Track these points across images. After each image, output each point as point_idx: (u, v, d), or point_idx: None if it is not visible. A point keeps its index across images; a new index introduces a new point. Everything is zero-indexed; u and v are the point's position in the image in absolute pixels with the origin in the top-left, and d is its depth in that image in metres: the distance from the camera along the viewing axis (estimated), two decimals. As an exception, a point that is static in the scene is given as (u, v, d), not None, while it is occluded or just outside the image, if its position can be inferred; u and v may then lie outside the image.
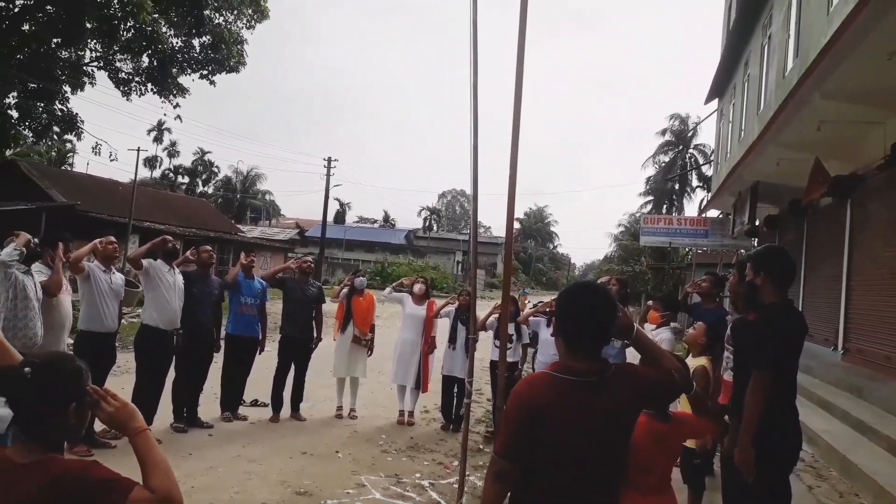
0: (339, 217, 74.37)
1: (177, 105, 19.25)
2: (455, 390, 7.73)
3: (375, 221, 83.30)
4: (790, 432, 3.41)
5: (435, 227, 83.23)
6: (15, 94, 17.88)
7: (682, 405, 4.20)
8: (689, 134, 50.13)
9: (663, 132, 51.38)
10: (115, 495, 1.70)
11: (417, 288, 8.15)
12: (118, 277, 6.28)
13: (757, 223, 15.07)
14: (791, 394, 3.47)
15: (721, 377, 4.57)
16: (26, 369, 1.80)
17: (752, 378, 3.31)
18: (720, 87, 19.35)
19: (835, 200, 10.52)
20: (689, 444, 4.36)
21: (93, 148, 21.40)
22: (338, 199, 73.47)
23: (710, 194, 23.79)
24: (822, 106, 8.29)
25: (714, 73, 18.60)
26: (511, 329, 7.20)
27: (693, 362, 4.71)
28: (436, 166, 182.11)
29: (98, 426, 5.74)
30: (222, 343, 7.34)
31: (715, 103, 21.14)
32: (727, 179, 15.41)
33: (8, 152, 24.73)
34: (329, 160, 42.14)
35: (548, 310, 7.10)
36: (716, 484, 4.92)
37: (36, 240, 5.28)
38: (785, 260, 3.58)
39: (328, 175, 41.83)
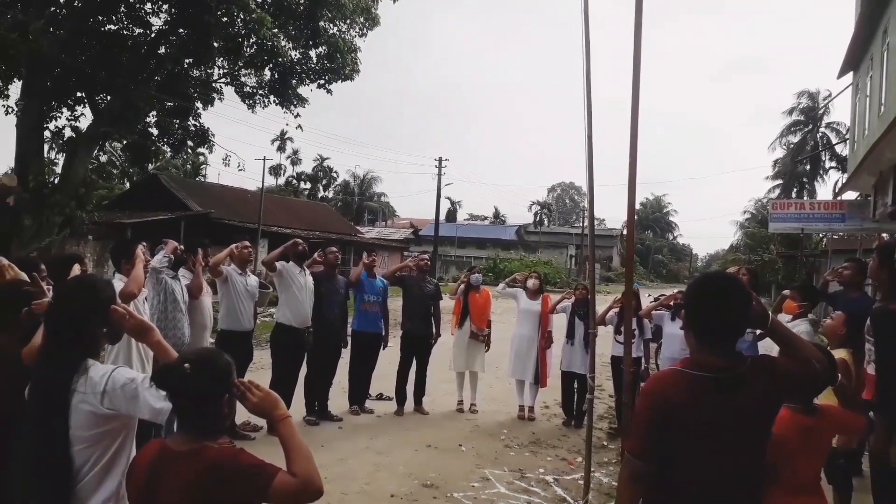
0: (451, 215, 75.21)
1: (297, 115, 20.12)
2: (575, 386, 7.63)
3: (486, 218, 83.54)
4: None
5: (546, 222, 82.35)
6: (154, 112, 19.39)
7: (825, 398, 3.95)
8: (820, 111, 46.62)
9: (790, 111, 48.11)
10: (262, 479, 1.82)
11: (531, 283, 8.12)
12: (253, 279, 6.69)
13: (902, 204, 13.82)
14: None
15: (864, 370, 4.24)
16: (186, 365, 1.96)
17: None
18: (855, 59, 17.87)
19: None
20: (832, 442, 4.08)
21: (223, 159, 22.91)
22: (449, 198, 74.39)
23: (846, 175, 22.05)
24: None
25: (848, 45, 17.21)
26: (632, 324, 7.02)
27: (834, 354, 4.40)
28: (544, 160, 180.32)
29: (238, 420, 6.14)
30: (349, 339, 7.63)
31: (849, 77, 19.54)
32: (866, 158, 14.23)
33: (150, 167, 26.91)
34: (440, 160, 42.71)
35: (672, 303, 6.87)
36: (864, 485, 4.58)
37: (182, 247, 5.72)
38: (941, 243, 3.28)
39: (439, 175, 42.40)
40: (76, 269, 5.31)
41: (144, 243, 5.07)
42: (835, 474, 4.51)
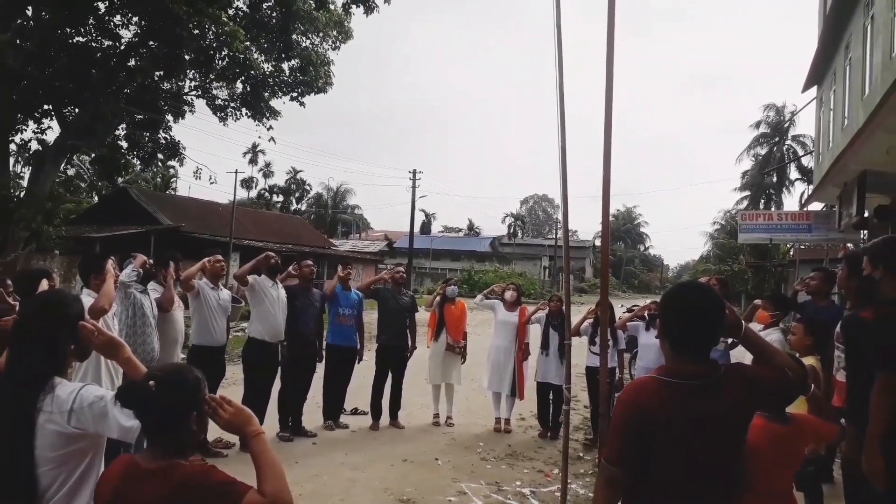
0: (425, 227, 75.33)
1: (270, 127, 20.06)
2: (551, 397, 7.64)
3: (460, 230, 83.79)
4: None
5: (519, 234, 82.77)
6: (124, 125, 19.16)
7: (797, 407, 4.00)
8: (786, 124, 47.69)
9: (758, 124, 49.20)
10: (232, 498, 1.79)
11: (509, 294, 8.13)
12: (225, 294, 6.61)
13: (866, 214, 14.14)
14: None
15: (833, 378, 4.31)
16: (151, 383, 1.92)
17: (877, 380, 3.10)
18: (819, 74, 18.32)
19: (956, 186, 9.75)
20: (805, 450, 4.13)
21: (194, 172, 22.70)
22: (423, 211, 74.57)
23: (811, 186, 22.53)
24: (937, 86, 7.71)
25: (811, 59, 17.64)
26: (607, 334, 7.06)
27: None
28: (517, 173, 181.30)
29: (210, 436, 6.04)
30: (324, 353, 7.56)
31: (813, 91, 20.02)
32: (831, 170, 14.55)
33: (119, 180, 26.52)
34: (414, 172, 42.76)
35: (646, 313, 6.93)
36: (835, 491, 4.64)
37: (151, 261, 5.63)
38: (906, 252, 3.34)
39: (413, 187, 42.43)
40: (44, 285, 5.21)
41: (113, 258, 4.97)
42: (804, 481, 4.57)
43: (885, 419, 3.07)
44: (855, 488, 3.45)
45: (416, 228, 52.02)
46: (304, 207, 68.63)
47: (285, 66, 18.93)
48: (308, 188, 70.15)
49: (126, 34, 17.39)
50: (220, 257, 6.67)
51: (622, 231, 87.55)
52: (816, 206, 21.05)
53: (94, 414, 2.15)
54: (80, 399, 2.16)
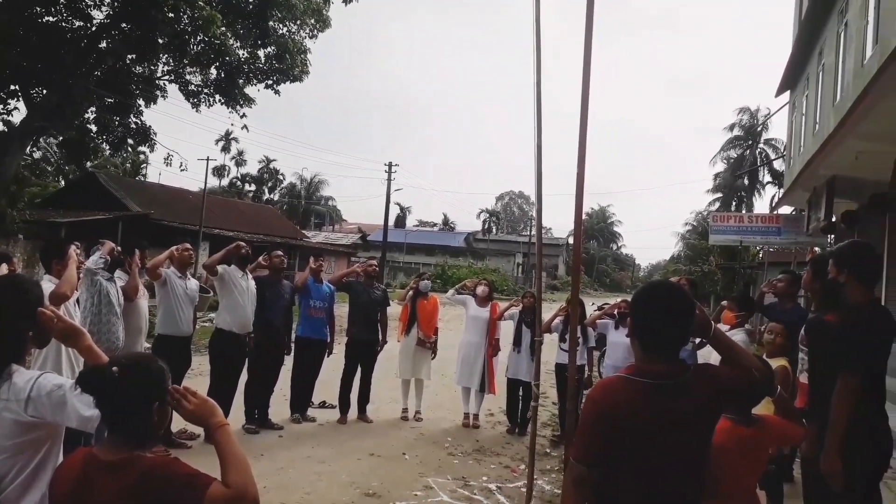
0: (400, 221, 75.13)
1: (243, 115, 19.83)
2: (520, 393, 7.67)
3: (435, 225, 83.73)
4: (881, 437, 3.24)
5: (494, 230, 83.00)
6: (93, 108, 18.77)
7: (762, 408, 4.05)
8: (759, 128, 48.46)
9: (731, 127, 49.86)
10: (196, 490, 1.75)
11: (481, 290, 8.13)
12: (193, 283, 6.50)
13: (834, 219, 14.41)
14: (881, 397, 3.29)
15: (797, 379, 4.38)
16: (114, 368, 1.87)
17: (838, 382, 3.15)
18: (792, 79, 18.62)
19: (920, 194, 9.97)
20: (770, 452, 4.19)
21: (164, 159, 22.33)
22: (398, 204, 74.35)
23: (782, 190, 22.93)
24: (905, 95, 7.86)
25: (786, 64, 17.91)
26: (577, 332, 7.11)
27: (773, 363, 4.53)
28: (494, 169, 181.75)
29: (174, 427, 5.95)
30: (292, 346, 7.49)
31: (786, 96, 20.35)
32: (801, 174, 14.80)
33: (87, 164, 26.00)
34: (390, 165, 42.65)
35: (616, 312, 6.98)
36: (795, 490, 4.73)
37: (119, 248, 5.52)
38: (871, 256, 3.41)
39: (389, 180, 42.32)
40: (4, 269, 5.08)
41: (77, 243, 4.86)
42: (766, 480, 4.64)
43: (844, 421, 3.13)
44: (813, 487, 3.51)
45: (391, 222, 51.92)
46: (276, 197, 68.02)
47: (261, 53, 18.73)
48: (281, 178, 69.56)
49: (98, 15, 17.04)
50: (188, 246, 6.56)
51: (595, 230, 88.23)
52: (786, 210, 21.42)
53: (52, 403, 2.10)
54: (38, 387, 2.11)
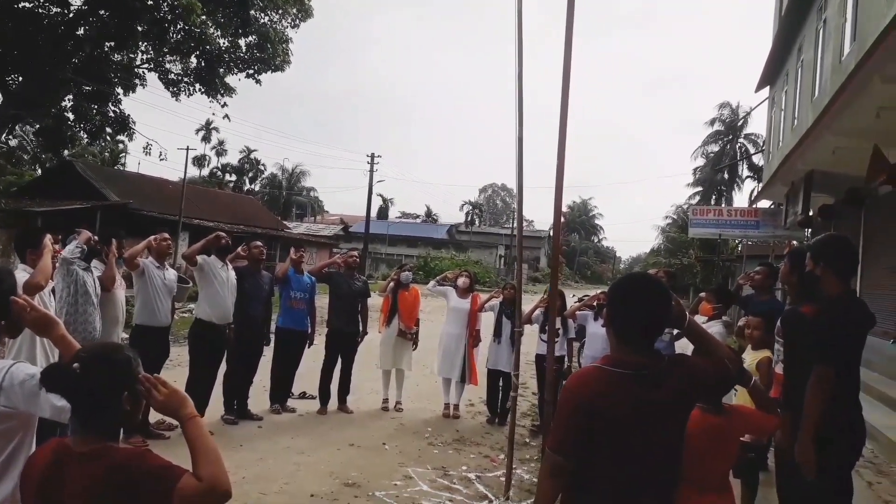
0: (383, 213, 74.87)
1: (224, 104, 19.68)
2: (500, 384, 7.71)
3: (418, 217, 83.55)
4: (854, 427, 3.30)
5: (477, 222, 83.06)
6: (71, 96, 18.49)
7: (738, 398, 4.11)
8: (739, 123, 48.91)
9: (712, 122, 50.34)
10: (166, 482, 1.73)
11: (461, 281, 8.15)
12: (171, 273, 6.44)
13: (811, 213, 14.61)
14: (854, 388, 3.34)
15: (773, 370, 4.44)
16: (75, 365, 1.84)
17: (813, 373, 3.20)
18: (772, 74, 18.80)
19: (895, 189, 10.12)
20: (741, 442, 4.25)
21: (144, 148, 22.13)
22: (381, 195, 73.99)
23: (761, 184, 23.17)
24: (882, 91, 7.94)
25: (765, 60, 18.08)
26: (556, 323, 7.15)
27: (756, 355, 4.59)
28: (477, 161, 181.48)
29: (153, 418, 5.91)
30: (272, 337, 7.46)
31: (766, 91, 20.55)
32: (779, 169, 14.97)
33: (65, 153, 25.62)
34: (372, 156, 42.44)
35: (595, 303, 7.02)
36: (770, 479, 4.80)
37: (96, 237, 5.45)
38: (847, 249, 3.45)
39: (371, 171, 42.13)
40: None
41: (50, 235, 4.79)
42: (743, 469, 4.71)
43: (818, 411, 3.18)
44: (787, 476, 3.56)
45: (373, 213, 51.71)
46: (257, 188, 67.48)
47: (242, 42, 18.55)
48: (262, 168, 69.04)
49: (75, 1, 16.76)
50: (166, 235, 6.48)
51: (577, 222, 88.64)
52: (765, 204, 21.65)
53: (24, 393, 2.07)
54: (11, 377, 2.08)
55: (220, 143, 66.79)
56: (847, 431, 3.26)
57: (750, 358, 4.59)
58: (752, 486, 4.75)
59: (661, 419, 2.09)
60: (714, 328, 5.41)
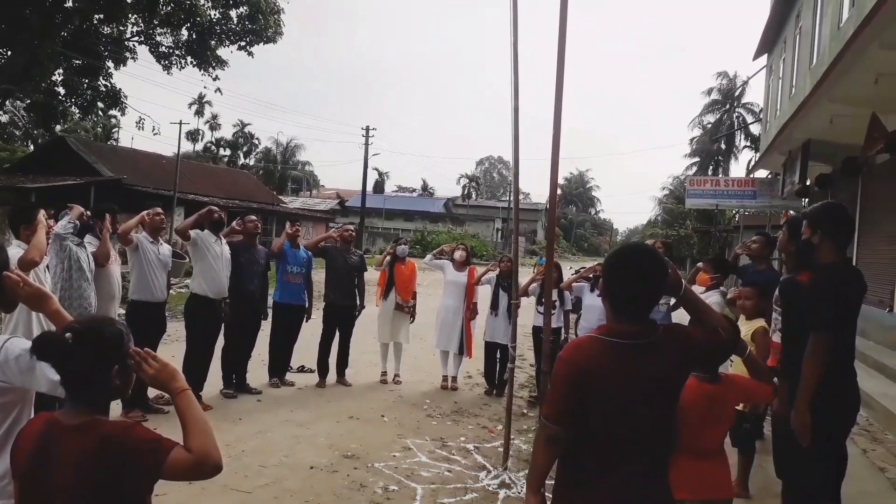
0: (379, 186, 74.63)
1: (216, 77, 19.46)
2: (498, 356, 7.74)
3: (414, 190, 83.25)
4: (848, 395, 3.31)
5: (473, 195, 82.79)
6: (61, 70, 18.26)
7: (734, 367, 4.13)
8: (737, 92, 48.60)
9: (709, 91, 49.97)
10: (156, 455, 1.74)
11: (458, 255, 8.15)
12: (165, 248, 6.41)
13: (808, 183, 14.59)
14: (849, 356, 3.36)
15: (770, 339, 4.46)
16: (67, 335, 1.84)
17: (809, 341, 3.21)
18: (769, 42, 18.63)
19: (892, 157, 10.09)
20: (740, 406, 4.28)
21: (136, 122, 21.99)
22: (377, 169, 73.73)
23: (758, 154, 23.08)
24: (881, 58, 7.88)
25: (763, 27, 17.89)
26: (553, 295, 7.15)
27: (750, 325, 4.61)
28: (473, 134, 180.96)
29: (152, 393, 5.93)
30: (270, 311, 7.46)
31: (764, 59, 20.38)
32: (777, 138, 14.90)
33: (57, 128, 25.38)
34: (367, 129, 42.18)
35: (591, 275, 7.02)
36: (766, 447, 4.85)
37: (89, 213, 5.41)
38: (844, 217, 3.44)
39: (367, 144, 41.90)
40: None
41: (44, 211, 4.75)
42: (740, 437, 4.75)
43: (814, 378, 3.19)
44: (783, 443, 3.59)
45: (369, 187, 51.56)
46: (252, 162, 67.04)
47: (233, 13, 18.29)
48: (257, 142, 68.47)
49: (62, -28, 16.45)
50: (159, 210, 6.43)
51: (574, 195, 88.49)
52: (762, 174, 21.61)
53: (20, 367, 2.07)
54: (6, 351, 2.09)
55: (214, 117, 66.23)
56: (842, 398, 3.28)
57: (745, 328, 4.61)
58: (749, 454, 4.79)
59: (656, 388, 2.09)
60: (712, 298, 5.42)
